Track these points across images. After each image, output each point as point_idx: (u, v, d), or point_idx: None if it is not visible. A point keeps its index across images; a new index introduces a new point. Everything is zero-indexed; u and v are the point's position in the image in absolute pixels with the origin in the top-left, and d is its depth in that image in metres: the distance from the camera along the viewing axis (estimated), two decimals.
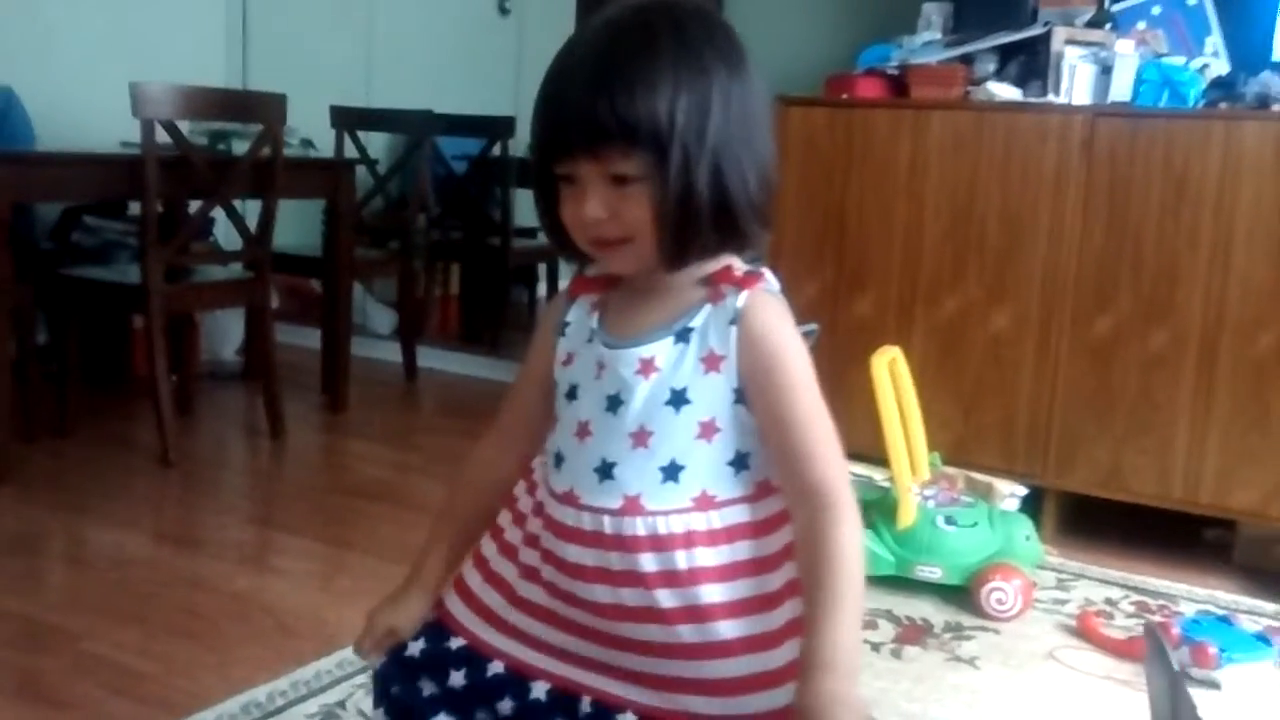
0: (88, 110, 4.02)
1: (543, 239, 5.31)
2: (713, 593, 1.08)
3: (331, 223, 3.76)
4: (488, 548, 1.24)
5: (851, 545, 1.06)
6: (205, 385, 3.94)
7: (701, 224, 1.04)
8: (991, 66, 2.91)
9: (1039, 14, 2.93)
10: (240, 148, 3.45)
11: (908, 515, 2.41)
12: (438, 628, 1.24)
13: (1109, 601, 2.50)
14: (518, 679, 1.18)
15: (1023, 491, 2.80)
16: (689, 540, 1.08)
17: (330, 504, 3.00)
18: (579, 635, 1.15)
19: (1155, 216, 2.64)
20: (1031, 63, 2.84)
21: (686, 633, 1.09)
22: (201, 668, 2.03)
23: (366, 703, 1.91)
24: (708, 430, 1.09)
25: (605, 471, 1.11)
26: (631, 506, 1.09)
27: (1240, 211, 2.57)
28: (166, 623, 2.22)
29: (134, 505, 2.89)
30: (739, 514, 1.10)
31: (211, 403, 3.91)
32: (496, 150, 4.80)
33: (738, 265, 1.11)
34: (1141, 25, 2.86)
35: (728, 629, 1.09)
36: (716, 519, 1.09)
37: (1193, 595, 2.55)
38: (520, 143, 5.09)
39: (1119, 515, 2.84)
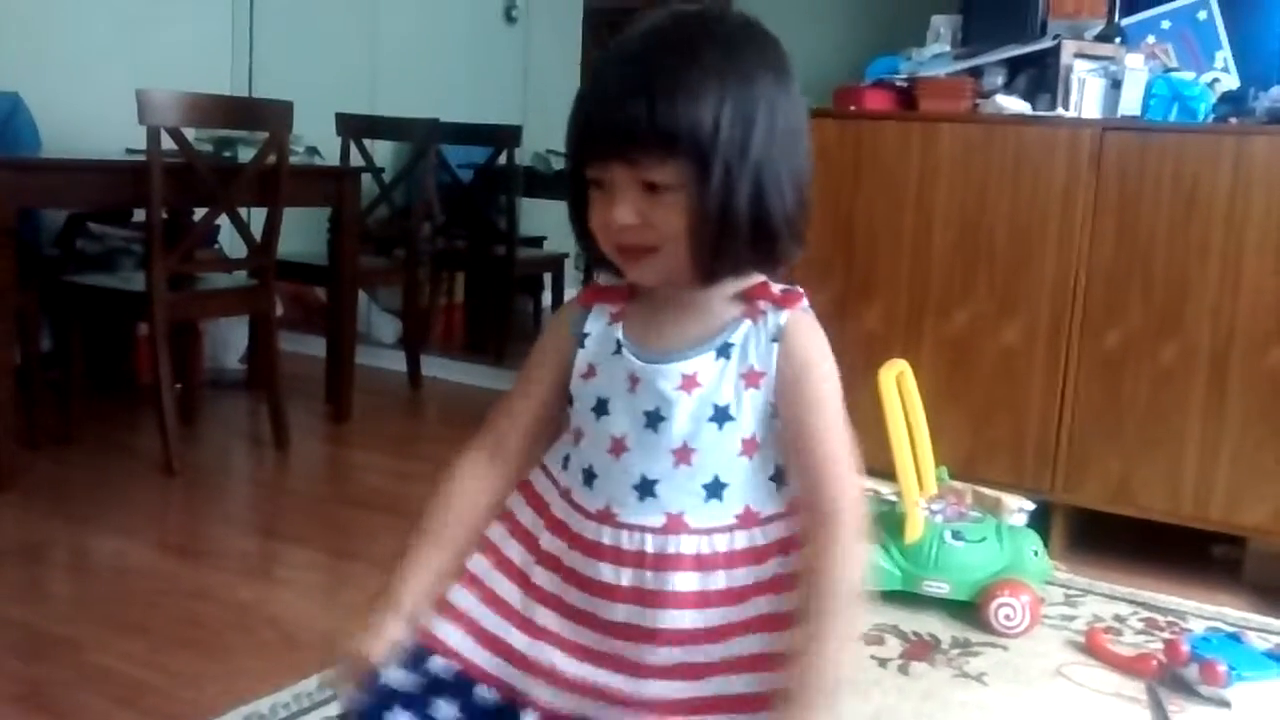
0: (93, 117, 4.02)
1: (548, 248, 5.36)
2: (752, 607, 1.07)
3: (336, 231, 3.76)
4: (478, 564, 1.18)
5: (843, 565, 1.05)
6: (209, 393, 3.93)
7: (738, 238, 1.03)
8: (1000, 79, 2.90)
9: (1048, 27, 2.92)
10: (246, 155, 3.44)
11: (915, 530, 2.40)
12: (419, 653, 1.14)
13: (1117, 618, 2.48)
14: (509, 708, 1.12)
15: (1031, 506, 2.78)
16: (730, 560, 1.07)
17: (334, 514, 2.99)
18: (590, 660, 1.11)
19: (1165, 231, 2.63)
20: (1040, 76, 2.83)
21: (716, 651, 1.08)
22: (205, 679, 2.02)
23: None
24: (749, 447, 1.08)
25: (646, 489, 1.09)
26: (675, 524, 1.08)
27: (1251, 226, 2.56)
28: (170, 633, 2.20)
29: (137, 514, 2.88)
30: (781, 529, 1.09)
31: (215, 411, 3.90)
32: (502, 159, 4.80)
33: (773, 283, 1.10)
34: (1151, 39, 2.85)
35: (757, 643, 1.07)
36: (759, 535, 1.09)
37: (1202, 612, 2.53)
38: (526, 152, 5.09)
39: (1128, 531, 2.82)
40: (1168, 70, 2.78)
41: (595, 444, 1.12)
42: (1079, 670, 2.23)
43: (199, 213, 3.36)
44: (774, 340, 1.07)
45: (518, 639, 1.14)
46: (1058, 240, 2.74)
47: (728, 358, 1.07)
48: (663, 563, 1.07)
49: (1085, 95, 2.74)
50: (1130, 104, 2.70)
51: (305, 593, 2.48)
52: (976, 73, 2.91)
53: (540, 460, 1.19)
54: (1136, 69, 2.70)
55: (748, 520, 1.08)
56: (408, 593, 1.17)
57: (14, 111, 3.82)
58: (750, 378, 1.07)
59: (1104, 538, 2.85)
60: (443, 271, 5.12)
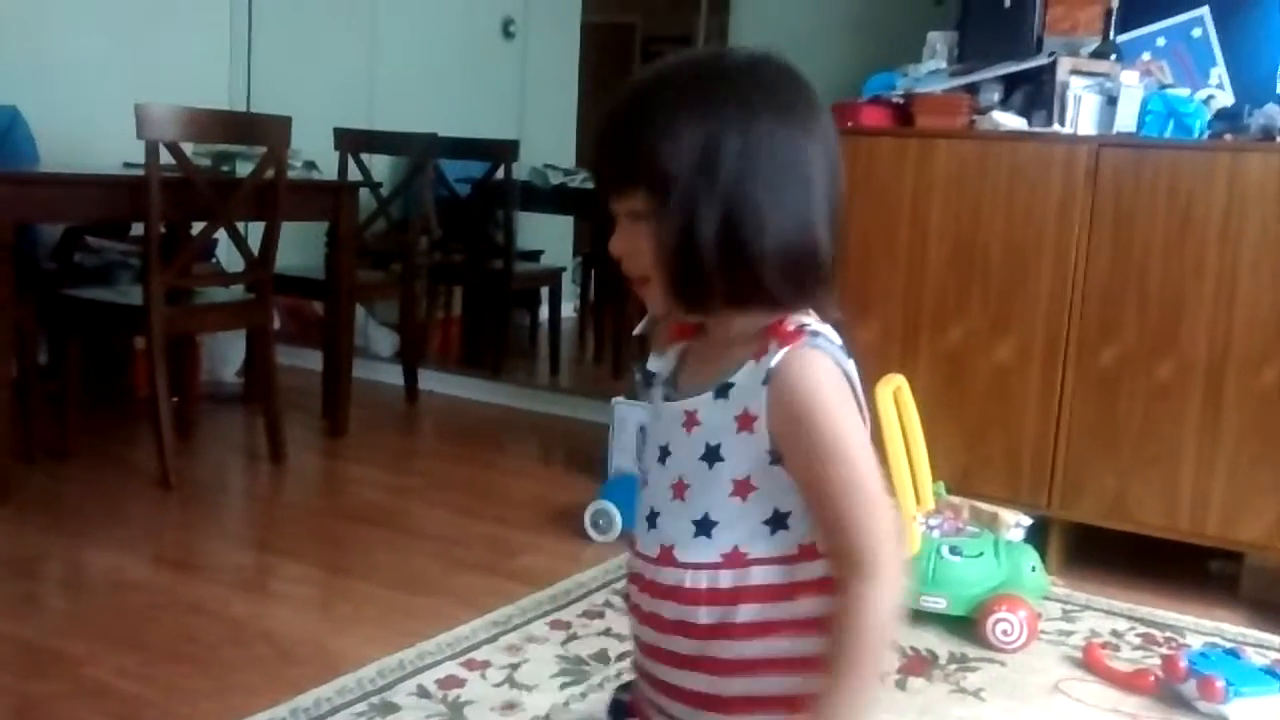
0: (91, 130, 4.02)
1: (545, 262, 5.36)
2: (732, 649, 1.06)
3: (334, 245, 3.76)
4: None
5: (870, 614, 1.01)
6: (205, 407, 3.92)
7: (705, 269, 1.00)
8: (996, 96, 2.91)
9: (1044, 44, 2.93)
10: (244, 169, 3.44)
11: (911, 544, 2.40)
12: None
13: (1115, 633, 2.48)
14: None
15: (1028, 521, 2.79)
16: (712, 597, 1.06)
17: (330, 529, 2.99)
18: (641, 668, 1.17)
19: (1160, 247, 2.64)
20: (1036, 93, 2.85)
21: (702, 684, 1.08)
22: (201, 694, 2.02)
23: None
24: (742, 488, 1.05)
25: (651, 520, 1.11)
26: (665, 557, 1.09)
27: (1246, 243, 2.56)
28: (166, 648, 2.20)
29: (133, 528, 2.87)
30: (773, 574, 1.06)
31: (212, 425, 3.90)
32: (500, 173, 4.80)
33: (794, 319, 1.04)
34: (1146, 56, 2.87)
35: (742, 686, 1.07)
36: (746, 576, 1.06)
37: (1199, 627, 2.53)
38: (524, 166, 5.10)
39: (1125, 546, 2.82)
40: (1163, 87, 2.79)
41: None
42: (1076, 686, 2.23)
43: (197, 227, 3.36)
44: (764, 382, 1.02)
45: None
46: (1053, 256, 2.74)
47: (726, 398, 1.05)
48: (654, 590, 1.10)
49: (1081, 112, 2.75)
50: (1126, 120, 2.71)
51: (301, 608, 2.47)
52: (972, 89, 2.92)
53: None
54: (1132, 86, 2.71)
55: (734, 560, 1.06)
56: None
57: (12, 125, 3.82)
58: (744, 420, 1.04)
59: (1101, 553, 2.85)
60: (440, 285, 5.13)
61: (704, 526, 1.07)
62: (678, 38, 6.34)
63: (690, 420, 1.07)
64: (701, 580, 1.07)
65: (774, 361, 1.02)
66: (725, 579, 1.06)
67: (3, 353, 2.92)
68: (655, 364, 1.16)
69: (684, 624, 1.07)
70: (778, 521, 1.06)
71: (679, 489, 1.08)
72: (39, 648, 2.18)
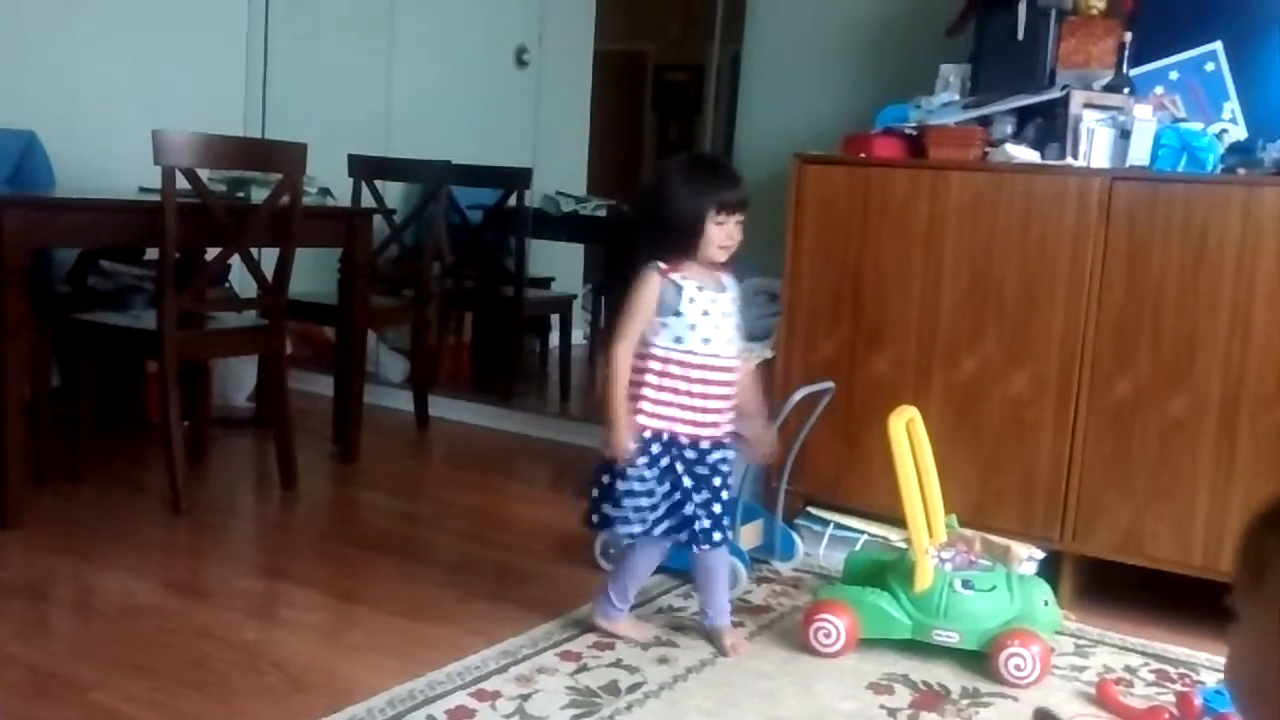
0: (108, 155, 4.06)
1: (556, 289, 5.36)
2: None
3: (347, 272, 3.77)
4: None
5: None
6: (217, 432, 3.93)
7: None
8: (1009, 128, 2.91)
9: (1057, 77, 2.94)
10: (259, 195, 3.46)
11: (925, 578, 2.39)
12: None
13: (1128, 669, 2.47)
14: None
15: (1040, 555, 2.78)
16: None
17: (341, 556, 2.98)
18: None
19: (1175, 281, 2.63)
20: (1049, 126, 2.85)
21: None
22: None
23: None
24: None
25: None
26: None
27: (1260, 276, 2.56)
28: (175, 674, 2.20)
29: (144, 553, 2.87)
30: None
31: (223, 450, 3.90)
32: (512, 200, 4.82)
33: None
34: (1159, 90, 2.87)
35: None
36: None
37: (1214, 664, 2.51)
38: (536, 193, 5.11)
39: (1137, 580, 2.80)
40: (1176, 121, 2.79)
41: None
42: None
43: (211, 252, 3.38)
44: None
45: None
46: (1067, 289, 2.74)
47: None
48: None
49: (1094, 145, 2.75)
50: (1139, 154, 2.71)
51: (310, 635, 2.47)
52: (985, 121, 2.93)
53: None
54: (1145, 119, 2.72)
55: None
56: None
57: (29, 149, 3.85)
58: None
59: (1114, 587, 2.83)
60: (451, 311, 5.14)
61: None
62: (690, 66, 6.38)
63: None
64: None
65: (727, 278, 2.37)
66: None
67: (17, 376, 2.93)
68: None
69: None
70: None
71: None
72: (48, 672, 2.18)
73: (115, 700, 2.07)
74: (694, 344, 2.32)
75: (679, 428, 2.32)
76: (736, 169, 2.42)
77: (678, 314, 2.31)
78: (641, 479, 2.32)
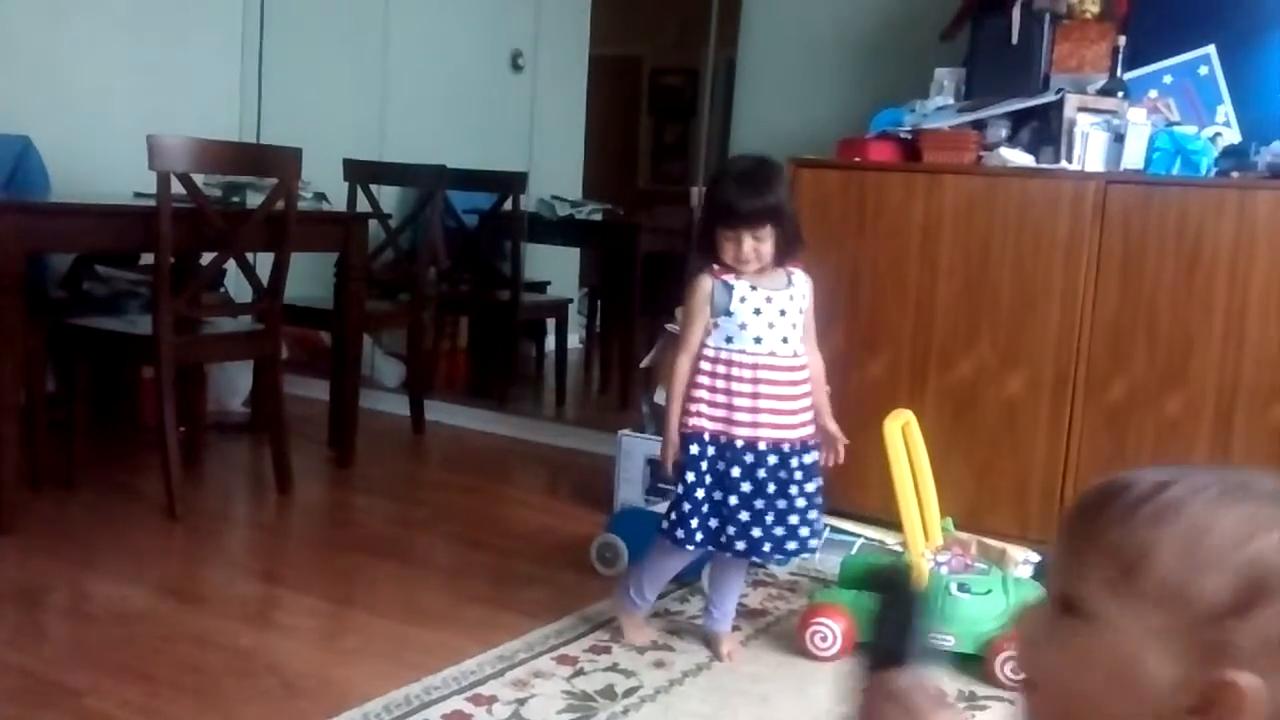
0: (102, 160, 4.05)
1: (551, 293, 5.36)
2: None
3: (343, 276, 3.77)
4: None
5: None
6: (212, 436, 3.92)
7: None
8: (1004, 132, 2.92)
9: (1051, 81, 2.94)
10: (254, 199, 3.46)
11: (919, 581, 2.38)
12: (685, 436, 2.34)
13: None
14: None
15: (1036, 558, 2.77)
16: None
17: (337, 561, 2.98)
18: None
19: (1169, 284, 2.64)
20: (1044, 129, 2.86)
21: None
22: None
23: None
24: None
25: None
26: None
27: (1254, 279, 2.57)
28: (171, 680, 2.19)
29: (139, 558, 2.87)
30: None
31: (218, 455, 3.89)
32: (508, 205, 4.82)
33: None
34: (1153, 94, 2.88)
35: None
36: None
37: None
38: (531, 197, 5.12)
39: None
40: (1170, 124, 2.80)
41: None
42: None
43: (206, 256, 3.37)
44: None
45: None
46: (1061, 292, 2.75)
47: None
48: None
49: (1088, 149, 2.76)
50: (1133, 158, 2.72)
51: (307, 640, 2.47)
52: (980, 125, 2.94)
53: None
54: (1139, 123, 2.73)
55: None
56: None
57: (24, 154, 3.85)
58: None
59: None
60: (447, 316, 5.14)
61: None
62: (684, 70, 6.38)
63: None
64: None
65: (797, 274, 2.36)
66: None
67: (12, 381, 2.92)
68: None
69: None
70: None
71: None
72: (43, 678, 2.17)
73: (110, 706, 2.07)
74: (745, 343, 2.28)
75: (736, 430, 2.28)
76: (765, 180, 2.29)
77: (729, 314, 2.29)
78: (694, 484, 2.29)
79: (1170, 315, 2.65)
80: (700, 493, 2.29)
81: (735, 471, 2.28)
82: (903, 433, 2.45)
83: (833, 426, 2.40)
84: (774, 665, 2.40)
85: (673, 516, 2.32)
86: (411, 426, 4.34)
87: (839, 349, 3.01)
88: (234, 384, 4.34)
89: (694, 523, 2.29)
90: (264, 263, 3.41)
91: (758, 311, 2.30)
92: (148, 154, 2.97)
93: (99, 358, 3.46)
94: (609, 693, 2.22)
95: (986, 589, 2.41)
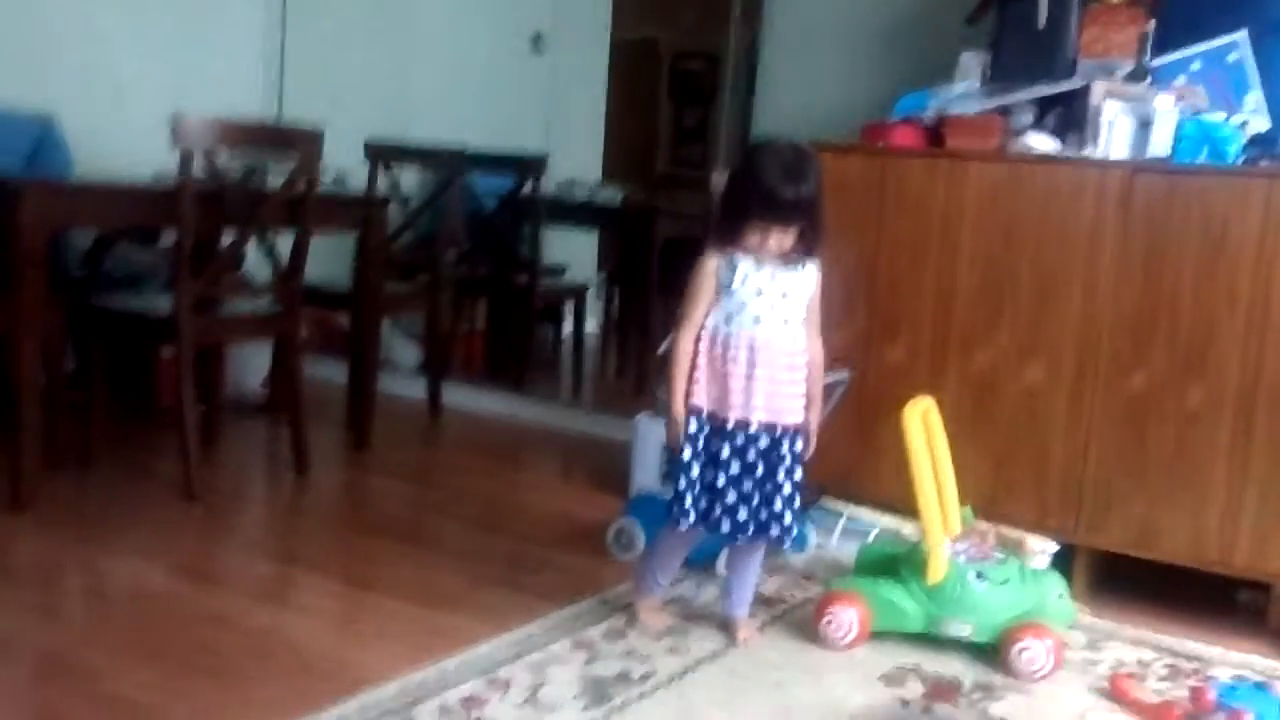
0: (124, 139, 4.05)
1: (569, 277, 5.35)
2: None
3: (362, 258, 3.77)
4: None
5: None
6: (229, 417, 3.93)
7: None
8: (1029, 118, 2.89)
9: (1078, 66, 2.91)
10: (274, 180, 3.45)
11: (939, 570, 2.37)
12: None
13: (1141, 663, 2.45)
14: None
15: (1054, 548, 2.76)
16: None
17: (354, 543, 2.99)
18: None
19: (1192, 273, 2.61)
20: (1070, 115, 2.83)
21: None
22: (221, 707, 2.01)
23: None
24: None
25: None
26: None
27: (1279, 270, 2.53)
28: (187, 660, 2.20)
29: (156, 538, 2.87)
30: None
31: (236, 435, 3.90)
32: (527, 188, 4.81)
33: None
34: (1181, 81, 2.84)
35: None
36: None
37: (1227, 659, 2.50)
38: (551, 181, 5.10)
39: (1150, 574, 2.79)
40: (1198, 112, 2.76)
41: None
42: (1102, 716, 2.20)
43: (227, 236, 3.37)
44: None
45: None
46: (1084, 280, 2.72)
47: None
48: None
49: (1114, 136, 2.73)
50: (1160, 145, 2.69)
51: (323, 621, 2.47)
52: (1005, 111, 2.90)
53: None
54: (1166, 110, 2.69)
55: None
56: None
57: (47, 133, 3.85)
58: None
59: (1126, 580, 2.81)
60: (465, 299, 5.13)
61: None
62: (705, 53, 6.35)
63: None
64: None
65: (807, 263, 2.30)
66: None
67: (33, 360, 2.93)
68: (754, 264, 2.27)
69: None
70: None
71: None
72: (60, 657, 2.18)
73: (126, 687, 2.07)
74: (744, 323, 2.25)
75: (729, 410, 2.26)
76: (805, 170, 2.21)
77: (730, 291, 2.26)
78: (689, 461, 2.28)
79: (1193, 306, 2.62)
80: (695, 470, 2.28)
81: (724, 452, 2.26)
82: (923, 420, 2.43)
83: (813, 422, 2.36)
84: (789, 652, 2.40)
85: (671, 494, 2.32)
86: (429, 409, 4.34)
87: (859, 334, 2.99)
88: (251, 364, 4.35)
89: (688, 500, 2.28)
90: (282, 244, 3.40)
91: (759, 292, 2.26)
92: (171, 132, 2.97)
93: (119, 337, 3.47)
94: (624, 678, 2.22)
95: (1004, 578, 2.40)
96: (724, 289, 2.27)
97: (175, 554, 2.78)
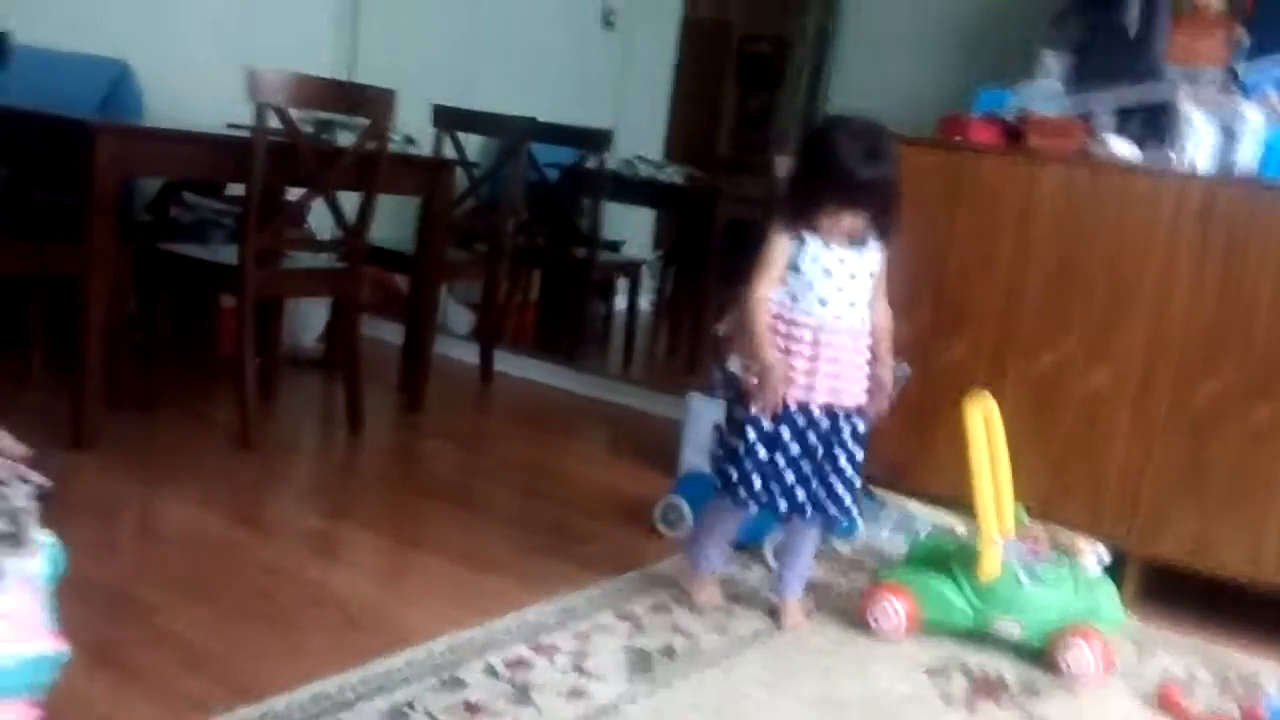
0: (196, 88, 4.09)
1: (625, 253, 5.34)
2: None
3: (426, 222, 3.78)
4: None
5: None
6: (285, 371, 3.96)
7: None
8: (1110, 122, 2.86)
9: (1165, 72, 2.87)
10: (343, 139, 3.47)
11: (992, 568, 2.36)
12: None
13: (1190, 674, 2.43)
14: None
15: (1107, 559, 2.73)
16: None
17: (404, 502, 3.01)
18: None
19: (1270, 292, 2.57)
20: (1153, 121, 2.79)
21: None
22: (271, 654, 2.04)
23: (435, 703, 1.91)
24: None
25: None
26: None
27: None
28: (239, 604, 2.23)
29: (212, 484, 2.91)
30: None
31: (292, 389, 3.94)
32: (590, 162, 4.80)
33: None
34: (1272, 93, 2.79)
35: None
36: None
37: (1278, 675, 2.47)
38: (615, 156, 5.09)
39: (1199, 585, 2.75)
40: None
41: None
42: None
43: (294, 191, 3.39)
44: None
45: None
46: (1157, 289, 2.69)
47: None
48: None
49: (1199, 145, 2.69)
50: (1245, 158, 2.64)
51: (371, 577, 2.50)
52: (1087, 113, 2.87)
53: None
54: (1254, 122, 2.65)
55: None
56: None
57: (122, 79, 3.89)
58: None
59: (1176, 590, 2.78)
60: (520, 269, 5.14)
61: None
62: (773, 37, 6.31)
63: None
64: None
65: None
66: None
67: (101, 302, 2.97)
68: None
69: None
70: None
71: None
72: (117, 590, 2.21)
73: (180, 625, 2.10)
74: (810, 304, 2.22)
75: (791, 390, 2.22)
76: (887, 151, 2.18)
77: (796, 270, 2.22)
78: (754, 444, 2.25)
79: (1268, 323, 2.58)
80: (762, 453, 2.25)
81: (785, 433, 2.23)
82: (983, 415, 2.41)
83: (886, 376, 2.33)
84: (836, 640, 2.39)
85: (732, 475, 2.28)
86: (480, 375, 4.36)
87: (922, 328, 2.97)
88: (308, 320, 4.39)
89: (756, 483, 2.25)
90: (346, 202, 3.42)
91: (828, 272, 2.22)
92: (247, 85, 2.99)
93: (184, 285, 3.50)
94: (668, 652, 2.23)
95: (1057, 580, 2.38)
96: (791, 268, 2.23)
97: (230, 501, 2.82)
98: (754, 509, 2.31)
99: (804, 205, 2.21)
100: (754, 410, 2.24)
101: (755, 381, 2.23)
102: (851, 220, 2.20)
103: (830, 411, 2.26)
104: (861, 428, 2.30)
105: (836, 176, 2.16)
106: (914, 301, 2.97)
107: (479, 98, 4.99)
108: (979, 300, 2.90)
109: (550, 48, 5.53)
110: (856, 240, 2.24)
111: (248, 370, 3.15)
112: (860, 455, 2.30)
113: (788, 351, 2.23)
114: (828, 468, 2.27)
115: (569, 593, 2.45)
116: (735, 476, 2.28)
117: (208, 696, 1.86)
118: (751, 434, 2.25)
